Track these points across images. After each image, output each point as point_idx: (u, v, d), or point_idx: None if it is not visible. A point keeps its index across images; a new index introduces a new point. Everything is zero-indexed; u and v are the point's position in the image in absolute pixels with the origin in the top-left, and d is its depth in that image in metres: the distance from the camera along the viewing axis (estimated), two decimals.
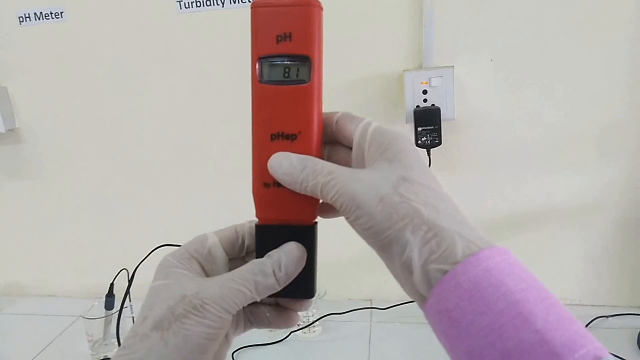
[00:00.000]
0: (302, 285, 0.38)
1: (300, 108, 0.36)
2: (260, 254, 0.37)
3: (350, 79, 1.05)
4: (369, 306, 1.15)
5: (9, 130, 1.21)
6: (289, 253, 0.36)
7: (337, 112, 0.39)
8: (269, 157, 0.36)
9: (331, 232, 1.14)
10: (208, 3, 1.05)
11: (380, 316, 1.12)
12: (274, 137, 0.37)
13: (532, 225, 1.08)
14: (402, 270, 0.32)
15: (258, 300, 0.35)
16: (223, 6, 1.05)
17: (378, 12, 1.01)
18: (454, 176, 1.07)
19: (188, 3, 1.06)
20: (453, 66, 1.00)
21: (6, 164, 1.27)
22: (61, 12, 1.12)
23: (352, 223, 0.34)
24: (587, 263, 1.09)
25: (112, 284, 1.05)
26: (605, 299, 1.10)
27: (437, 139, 1.00)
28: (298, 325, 1.07)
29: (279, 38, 0.36)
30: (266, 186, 0.37)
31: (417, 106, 1.01)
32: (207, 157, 1.16)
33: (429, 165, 1.03)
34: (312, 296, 0.39)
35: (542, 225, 1.08)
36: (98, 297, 1.09)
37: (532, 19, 0.97)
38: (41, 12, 1.13)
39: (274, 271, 0.35)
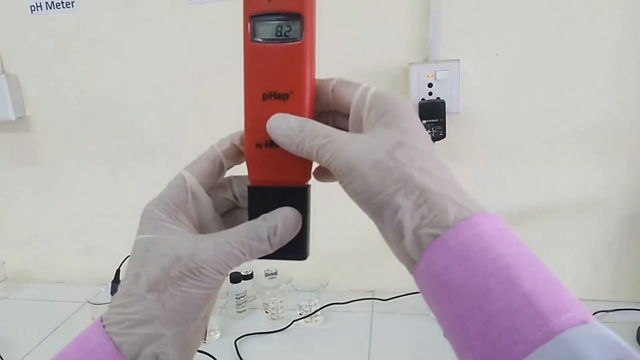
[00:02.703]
0: (295, 247, 0.37)
1: (292, 67, 0.36)
2: (253, 216, 0.37)
3: (356, 72, 1.06)
4: (371, 297, 1.16)
5: (20, 117, 1.22)
6: (286, 219, 0.36)
7: (333, 79, 0.38)
8: (261, 117, 0.36)
9: (334, 223, 1.15)
10: None
11: (381, 307, 1.13)
12: (266, 96, 0.36)
13: (533, 220, 1.08)
14: (393, 235, 0.32)
15: (249, 261, 0.36)
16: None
17: (385, 5, 1.02)
18: (457, 169, 1.06)
19: None
20: (459, 60, 1.00)
21: (16, 151, 1.29)
22: (72, 2, 1.14)
23: (345, 187, 0.34)
24: (588, 258, 1.10)
25: (118, 270, 1.07)
26: (605, 294, 1.10)
27: (441, 132, 1.01)
28: (300, 314, 1.09)
29: None
30: (258, 147, 0.37)
31: (423, 99, 1.02)
32: None
33: None
34: (305, 258, 0.39)
35: (544, 220, 1.08)
36: (104, 283, 1.11)
37: (538, 14, 0.98)
38: (52, 2, 1.14)
39: (269, 236, 0.35)
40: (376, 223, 0.34)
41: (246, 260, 0.35)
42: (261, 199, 0.37)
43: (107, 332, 0.33)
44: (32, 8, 1.16)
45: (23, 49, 1.20)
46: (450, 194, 0.32)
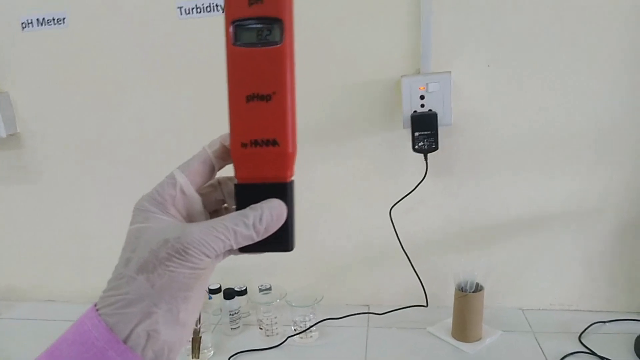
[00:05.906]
0: (281, 239, 0.39)
1: (273, 69, 0.38)
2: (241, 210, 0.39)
3: (348, 84, 1.06)
4: (366, 311, 1.15)
5: (10, 135, 1.22)
6: (272, 208, 0.38)
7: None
8: (245, 118, 0.38)
9: (328, 239, 1.14)
10: (208, 9, 1.07)
11: (377, 321, 1.12)
12: (249, 98, 0.38)
13: (529, 229, 1.08)
14: None
15: (235, 248, 0.37)
16: (222, 12, 1.06)
17: (376, 18, 1.03)
18: (451, 181, 1.07)
19: (188, 9, 1.08)
20: (450, 71, 1.01)
21: (7, 168, 1.28)
22: (63, 18, 1.14)
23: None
24: (584, 268, 1.09)
25: None
26: (602, 304, 1.10)
27: (434, 143, 1.01)
28: (295, 330, 1.07)
29: (251, 1, 0.37)
30: (243, 146, 0.39)
31: (415, 111, 1.02)
32: None
33: (426, 170, 1.04)
34: (290, 249, 0.40)
35: (539, 230, 1.08)
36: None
37: (529, 25, 0.98)
38: (44, 18, 1.14)
39: (254, 223, 0.37)
40: None
41: (232, 246, 0.37)
42: (247, 195, 0.39)
43: (100, 314, 0.35)
44: (24, 25, 1.15)
45: (14, 65, 1.20)
46: None
